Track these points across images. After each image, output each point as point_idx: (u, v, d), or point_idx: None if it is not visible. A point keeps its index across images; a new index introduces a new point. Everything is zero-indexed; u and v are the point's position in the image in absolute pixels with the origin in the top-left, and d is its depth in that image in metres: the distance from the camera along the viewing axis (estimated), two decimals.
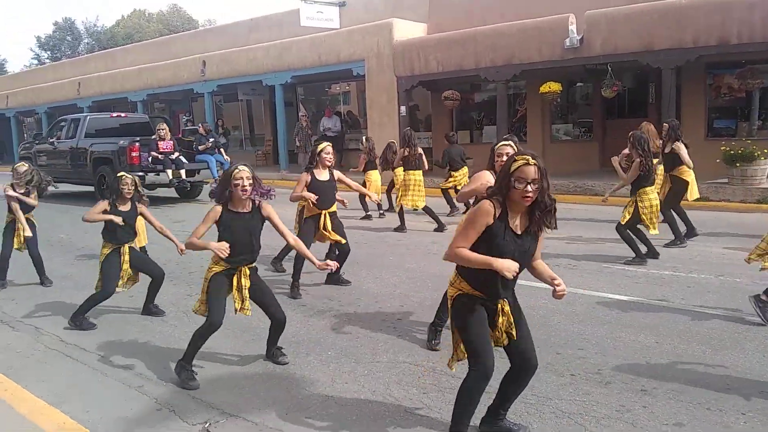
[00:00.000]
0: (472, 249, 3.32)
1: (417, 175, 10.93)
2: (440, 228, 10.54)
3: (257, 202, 4.73)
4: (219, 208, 4.67)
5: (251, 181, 4.61)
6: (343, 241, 7.05)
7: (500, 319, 3.43)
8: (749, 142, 12.85)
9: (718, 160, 12.73)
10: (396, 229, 10.76)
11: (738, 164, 12.47)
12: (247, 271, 4.75)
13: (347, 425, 3.94)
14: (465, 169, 12.25)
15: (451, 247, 3.38)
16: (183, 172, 15.13)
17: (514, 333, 3.46)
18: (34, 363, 5.24)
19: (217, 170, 15.49)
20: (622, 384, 4.34)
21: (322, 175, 6.98)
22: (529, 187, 3.17)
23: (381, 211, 12.54)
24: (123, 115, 18.57)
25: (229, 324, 5.05)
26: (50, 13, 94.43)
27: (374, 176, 12.33)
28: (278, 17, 22.70)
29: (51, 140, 17.47)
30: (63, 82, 29.24)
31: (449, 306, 3.56)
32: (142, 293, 6.44)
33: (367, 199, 11.75)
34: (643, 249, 7.81)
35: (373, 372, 4.75)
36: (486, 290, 3.40)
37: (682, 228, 8.87)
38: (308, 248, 6.21)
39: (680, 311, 5.86)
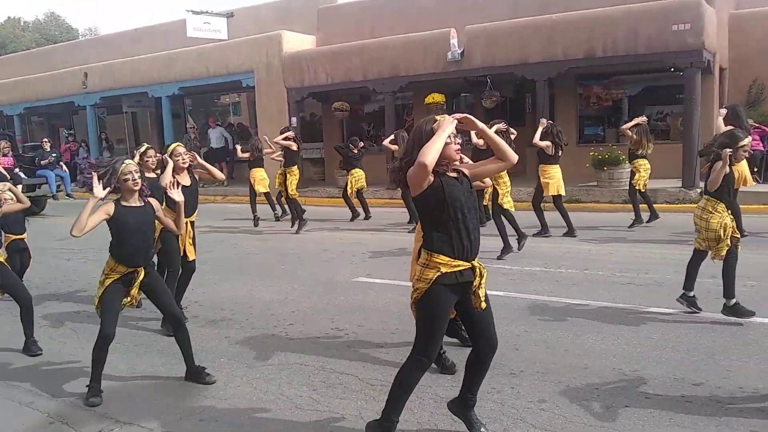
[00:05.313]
0: (427, 219, 3.45)
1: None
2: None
3: (145, 196, 4.74)
4: (111, 204, 4.57)
5: (140, 174, 4.65)
6: (192, 257, 6.42)
7: (477, 281, 3.47)
8: (614, 147, 13.98)
9: (588, 165, 13.78)
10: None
11: (605, 168, 13.56)
12: (144, 278, 4.70)
13: (240, 424, 4.13)
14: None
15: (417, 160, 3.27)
16: (20, 187, 15.06)
17: (482, 301, 3.50)
18: None
19: (57, 185, 16.91)
20: (494, 369, 4.76)
21: (184, 179, 6.23)
22: (459, 139, 3.45)
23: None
24: None
25: (120, 337, 5.10)
26: None
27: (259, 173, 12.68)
28: (164, 28, 22.34)
29: None
30: None
31: (420, 295, 3.47)
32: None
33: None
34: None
35: (266, 375, 4.94)
36: (461, 248, 3.39)
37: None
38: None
39: (549, 303, 6.43)
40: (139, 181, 4.61)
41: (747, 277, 6.59)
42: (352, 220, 12.84)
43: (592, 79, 15.73)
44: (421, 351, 3.51)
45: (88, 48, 25.50)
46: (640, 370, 4.65)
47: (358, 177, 12.73)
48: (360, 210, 12.96)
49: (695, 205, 6.05)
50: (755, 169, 13.55)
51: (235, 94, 21.73)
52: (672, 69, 13.30)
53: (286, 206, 12.62)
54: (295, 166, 11.89)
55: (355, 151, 12.90)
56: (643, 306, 6.20)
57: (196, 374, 4.87)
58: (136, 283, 4.70)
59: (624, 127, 10.49)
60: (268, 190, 12.74)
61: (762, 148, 13.52)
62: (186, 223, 6.11)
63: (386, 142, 11.66)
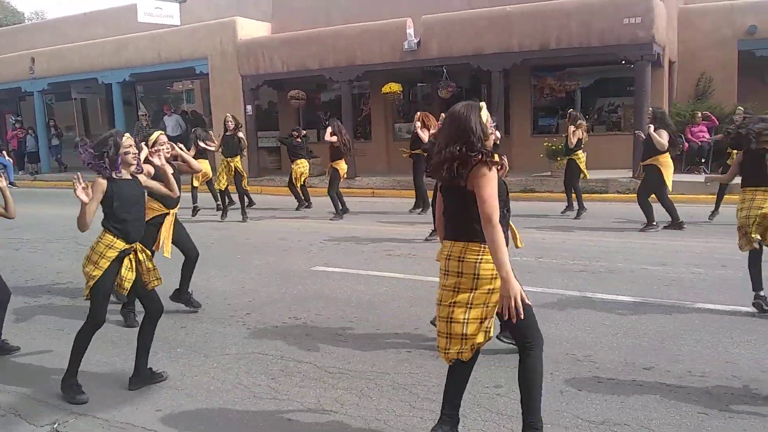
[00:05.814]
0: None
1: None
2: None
3: (138, 171, 4.64)
4: (103, 180, 4.34)
5: (137, 147, 4.60)
6: (166, 254, 6.15)
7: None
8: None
9: (542, 155, 14.01)
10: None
11: (559, 158, 13.77)
12: (141, 255, 4.54)
13: (198, 414, 4.09)
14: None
15: (493, 223, 3.16)
16: None
17: None
18: None
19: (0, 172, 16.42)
20: None
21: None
22: (496, 129, 3.36)
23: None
24: None
25: (73, 328, 4.98)
26: None
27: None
28: (114, 12, 21.82)
29: None
30: None
31: (486, 283, 3.34)
32: None
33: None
34: None
35: (223, 364, 4.90)
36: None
37: None
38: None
39: None
40: (136, 153, 4.55)
41: (694, 264, 6.81)
42: (297, 209, 12.94)
43: (546, 70, 15.96)
44: (535, 338, 3.38)
45: (35, 32, 24.68)
46: (593, 356, 4.78)
47: (301, 167, 12.84)
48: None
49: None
50: (702, 160, 13.98)
51: (189, 81, 21.36)
52: (623, 61, 13.59)
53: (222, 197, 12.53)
54: (238, 156, 11.98)
55: (299, 140, 12.93)
56: (596, 293, 6.35)
57: (147, 377, 4.60)
58: (147, 263, 4.56)
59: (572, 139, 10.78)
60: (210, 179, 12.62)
61: (708, 140, 13.94)
62: (172, 215, 6.09)
63: (327, 136, 11.79)
